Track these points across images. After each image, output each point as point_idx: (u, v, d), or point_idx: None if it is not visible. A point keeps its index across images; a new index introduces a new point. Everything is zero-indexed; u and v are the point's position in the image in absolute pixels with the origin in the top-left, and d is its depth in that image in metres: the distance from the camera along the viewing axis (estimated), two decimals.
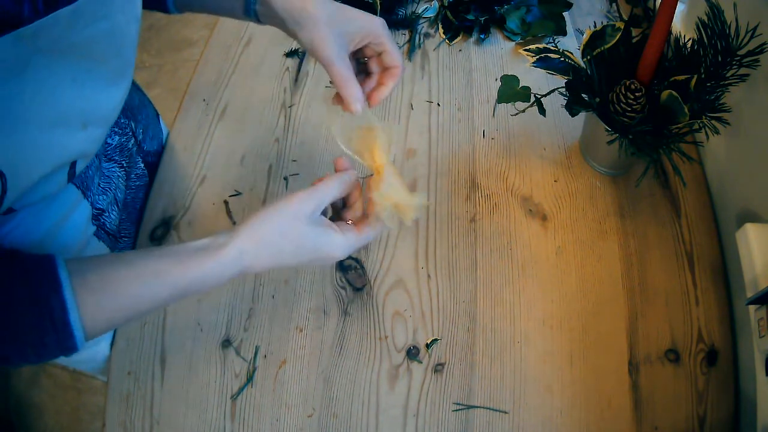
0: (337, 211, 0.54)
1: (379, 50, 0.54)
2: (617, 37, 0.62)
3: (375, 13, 0.86)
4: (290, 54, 0.89)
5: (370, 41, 0.53)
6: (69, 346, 0.40)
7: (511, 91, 0.70)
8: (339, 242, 0.49)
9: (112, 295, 0.42)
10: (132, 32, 0.48)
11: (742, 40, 0.54)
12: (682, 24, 0.78)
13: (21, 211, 0.52)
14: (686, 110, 0.56)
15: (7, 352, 0.39)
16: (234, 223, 0.73)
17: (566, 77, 0.64)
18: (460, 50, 0.88)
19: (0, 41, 0.33)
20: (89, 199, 0.61)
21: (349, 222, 0.52)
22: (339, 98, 0.53)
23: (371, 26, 0.52)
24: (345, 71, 0.51)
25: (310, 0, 0.51)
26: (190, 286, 0.45)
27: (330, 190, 0.49)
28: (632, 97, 0.59)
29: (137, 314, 0.44)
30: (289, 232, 0.47)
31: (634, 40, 0.63)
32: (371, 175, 0.53)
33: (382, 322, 0.65)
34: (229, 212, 0.74)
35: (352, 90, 0.51)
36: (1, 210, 0.41)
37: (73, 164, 0.49)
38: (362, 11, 0.53)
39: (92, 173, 0.60)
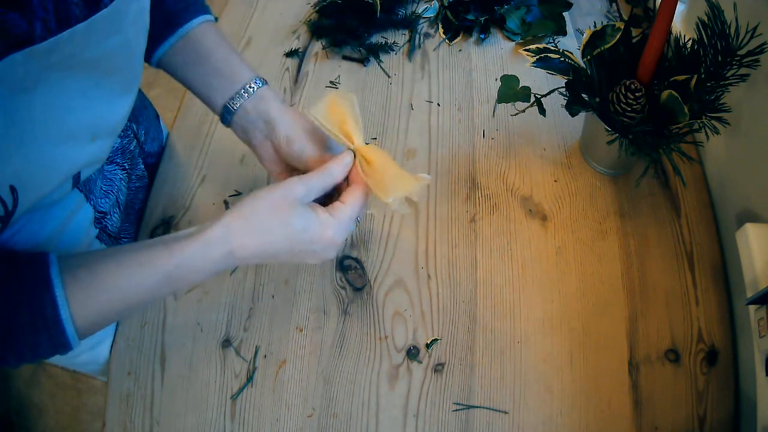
0: (334, 194, 0.54)
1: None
2: (617, 37, 0.62)
3: (375, 14, 0.86)
4: (290, 54, 0.89)
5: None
6: (62, 343, 0.40)
7: (511, 91, 0.70)
8: (330, 221, 0.48)
9: (99, 288, 0.42)
10: (142, 43, 0.48)
11: (742, 40, 0.54)
12: (682, 24, 0.78)
13: (24, 216, 0.52)
14: (686, 110, 0.56)
15: (2, 351, 0.39)
16: None
17: (566, 77, 0.64)
18: (460, 50, 0.88)
19: (11, 58, 0.33)
20: (91, 203, 0.61)
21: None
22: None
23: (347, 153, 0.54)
24: (323, 157, 0.54)
25: (303, 116, 0.56)
26: (177, 270, 0.44)
27: (321, 178, 0.49)
28: (632, 97, 0.59)
29: (126, 306, 0.44)
30: (277, 209, 0.46)
31: (634, 40, 0.63)
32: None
33: (382, 322, 0.65)
34: None
35: (335, 165, 0.51)
36: (11, 222, 0.41)
37: (79, 172, 0.50)
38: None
39: (94, 176, 0.60)
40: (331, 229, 0.48)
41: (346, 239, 0.67)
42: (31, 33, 0.34)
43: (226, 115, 0.57)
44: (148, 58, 0.58)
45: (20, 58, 0.34)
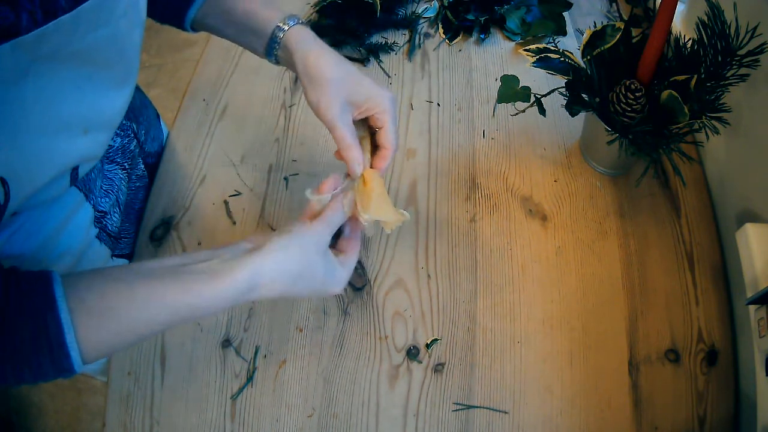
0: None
1: (379, 125, 0.54)
2: (617, 37, 0.62)
3: (375, 14, 0.86)
4: None
5: (373, 113, 0.54)
6: (65, 367, 0.39)
7: (511, 91, 0.70)
8: (341, 277, 0.49)
9: (111, 320, 0.40)
10: (135, 38, 0.48)
11: (742, 40, 0.54)
12: (682, 24, 0.78)
13: (23, 214, 0.52)
14: (686, 110, 0.56)
15: (3, 371, 0.38)
16: (234, 223, 0.73)
17: (566, 77, 0.64)
18: (460, 50, 0.88)
19: None
20: (91, 202, 0.61)
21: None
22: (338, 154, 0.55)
23: (377, 99, 0.53)
24: (347, 135, 0.52)
25: (326, 63, 0.53)
26: (194, 312, 0.43)
27: (335, 215, 0.50)
28: (632, 97, 0.59)
29: (137, 338, 0.43)
30: (309, 265, 0.46)
31: (634, 40, 0.63)
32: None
33: (382, 322, 0.65)
34: (229, 212, 0.74)
35: (353, 153, 0.52)
36: (5, 216, 0.41)
37: (76, 168, 0.49)
38: (376, 84, 0.54)
39: (94, 176, 0.60)
40: (339, 285, 0.50)
41: None
42: (18, 24, 0.34)
43: (274, 62, 0.58)
44: (181, 24, 0.58)
45: (8, 49, 0.34)
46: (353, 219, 0.53)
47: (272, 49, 0.55)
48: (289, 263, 0.45)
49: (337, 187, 0.52)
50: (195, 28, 0.59)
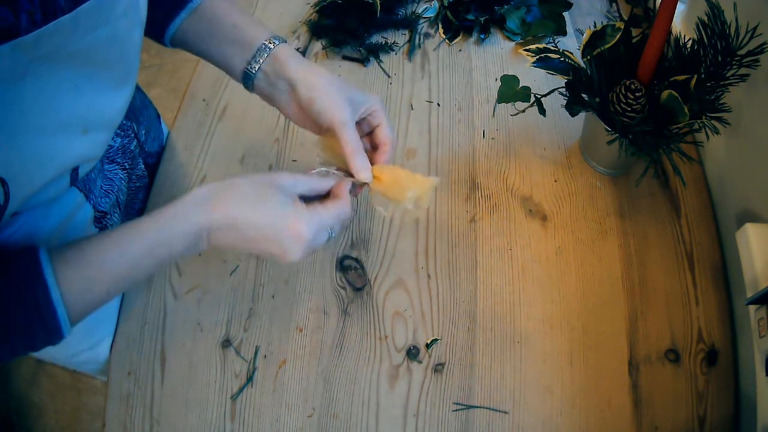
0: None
1: (375, 123, 0.56)
2: (617, 37, 0.62)
3: (375, 14, 0.87)
4: None
5: (369, 113, 0.56)
6: (53, 328, 0.41)
7: (511, 91, 0.70)
8: (305, 214, 0.47)
9: (87, 264, 0.43)
10: (135, 37, 0.48)
11: (742, 40, 0.54)
12: (682, 24, 0.78)
13: (23, 214, 0.52)
14: (686, 110, 0.56)
15: None
16: None
17: (566, 77, 0.64)
18: (460, 50, 0.88)
19: None
20: (91, 202, 0.61)
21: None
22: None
23: (370, 100, 0.55)
24: (355, 139, 0.53)
25: (323, 72, 0.55)
26: (160, 234, 0.45)
27: (309, 181, 0.51)
28: (632, 97, 0.59)
29: (117, 279, 0.44)
30: (259, 186, 0.48)
31: (634, 40, 0.63)
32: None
33: (382, 322, 0.65)
34: None
35: (360, 160, 0.53)
36: (5, 217, 0.41)
37: (76, 168, 0.49)
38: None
39: (94, 176, 0.60)
40: (303, 223, 0.47)
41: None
42: (17, 25, 0.34)
43: (246, 81, 0.58)
44: (160, 38, 0.58)
45: (7, 49, 0.34)
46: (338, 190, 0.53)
47: (255, 61, 0.56)
48: (241, 184, 0.48)
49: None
50: (174, 44, 0.59)
